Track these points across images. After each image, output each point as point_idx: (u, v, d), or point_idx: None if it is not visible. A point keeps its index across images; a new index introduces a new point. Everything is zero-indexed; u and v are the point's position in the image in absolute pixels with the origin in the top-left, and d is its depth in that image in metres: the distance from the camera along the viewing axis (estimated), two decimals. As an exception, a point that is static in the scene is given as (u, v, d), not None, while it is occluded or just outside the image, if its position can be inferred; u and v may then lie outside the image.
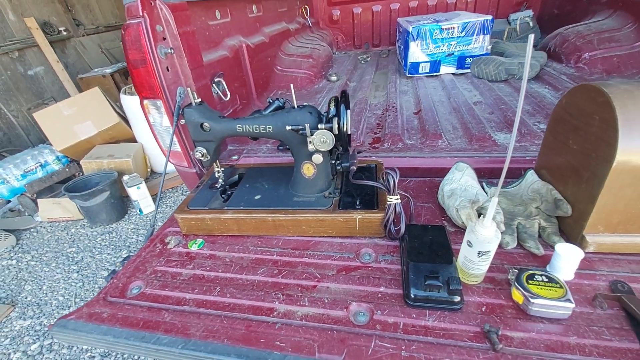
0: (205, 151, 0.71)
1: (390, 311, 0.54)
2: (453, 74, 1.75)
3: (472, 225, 0.52)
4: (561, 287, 0.50)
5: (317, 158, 0.67)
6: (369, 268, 0.63)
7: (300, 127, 0.62)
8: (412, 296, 0.53)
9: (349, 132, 0.66)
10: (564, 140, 0.63)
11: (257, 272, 0.64)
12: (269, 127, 0.66)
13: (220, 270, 0.66)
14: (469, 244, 0.52)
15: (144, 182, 2.10)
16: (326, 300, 0.57)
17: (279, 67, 1.77)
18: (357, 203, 0.69)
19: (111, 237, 2.00)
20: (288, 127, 0.63)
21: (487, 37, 1.66)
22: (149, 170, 2.49)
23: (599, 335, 0.47)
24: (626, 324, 0.48)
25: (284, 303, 0.57)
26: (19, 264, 1.89)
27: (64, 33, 3.16)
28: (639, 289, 0.53)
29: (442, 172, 0.84)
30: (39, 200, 2.15)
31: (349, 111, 0.66)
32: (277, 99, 0.70)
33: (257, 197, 0.75)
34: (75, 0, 3.37)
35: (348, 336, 0.51)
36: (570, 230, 0.62)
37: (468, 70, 1.72)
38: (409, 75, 1.79)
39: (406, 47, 1.74)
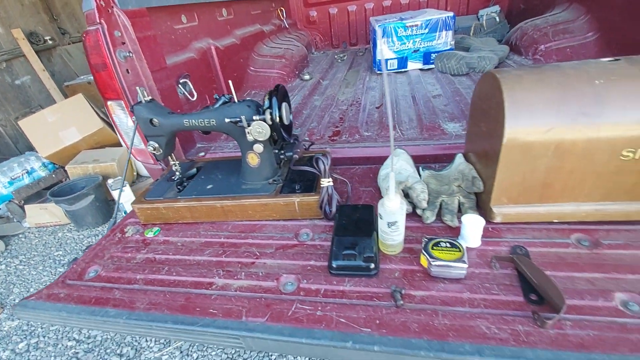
0: (157, 145, 0.77)
1: (315, 280, 0.60)
2: (420, 69, 1.82)
3: (381, 200, 0.58)
4: (460, 251, 0.56)
5: (258, 147, 0.73)
6: (305, 245, 0.69)
7: (238, 119, 0.69)
8: (334, 266, 0.59)
9: (286, 123, 0.72)
10: (478, 123, 0.70)
11: (204, 253, 0.70)
12: (212, 121, 0.72)
13: (170, 253, 0.72)
14: (380, 217, 0.58)
15: (128, 185, 2.15)
16: (260, 274, 0.63)
17: (252, 68, 1.83)
18: (297, 188, 0.75)
19: (97, 239, 2.05)
20: (227, 120, 0.70)
21: (450, 33, 1.72)
22: (135, 173, 2.54)
23: (489, 291, 0.53)
24: (515, 281, 0.54)
25: (222, 278, 0.63)
26: (8, 268, 1.94)
27: (50, 42, 3.21)
28: (535, 252, 0.59)
29: (389, 159, 0.90)
30: (26, 207, 2.20)
31: (284, 104, 0.72)
32: (223, 95, 0.76)
33: (209, 187, 0.81)
34: (60, 10, 3.42)
35: (274, 302, 0.57)
36: (484, 204, 0.68)
37: (434, 66, 1.78)
38: (379, 72, 1.86)
39: (375, 45, 1.81)
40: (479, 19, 2.23)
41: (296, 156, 0.78)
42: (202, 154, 1.16)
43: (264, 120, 0.68)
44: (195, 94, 1.23)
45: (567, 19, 1.60)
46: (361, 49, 2.65)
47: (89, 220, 2.12)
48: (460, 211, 0.70)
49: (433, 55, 1.76)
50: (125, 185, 2.13)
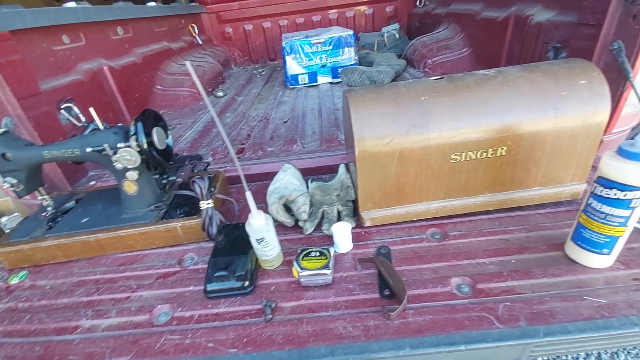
0: (15, 181, 0.70)
1: (190, 306, 0.59)
2: (330, 83, 1.92)
3: (248, 219, 0.60)
4: (326, 258, 0.60)
5: (132, 175, 0.70)
6: (187, 271, 0.68)
7: (101, 147, 0.66)
8: (208, 289, 0.59)
9: (160, 147, 0.71)
10: (346, 136, 0.76)
11: (74, 294, 0.65)
12: (76, 151, 0.68)
13: (36, 299, 0.65)
14: (249, 234, 0.60)
15: (23, 222, 1.89)
16: (133, 309, 0.60)
17: (159, 87, 1.76)
18: (179, 212, 0.74)
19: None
20: (88, 149, 0.66)
21: (352, 49, 1.85)
22: (34, 207, 2.24)
23: (352, 292, 0.58)
24: (375, 280, 0.60)
25: (90, 319, 0.59)
26: None
27: None
28: (396, 249, 0.66)
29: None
30: None
31: (157, 128, 0.71)
32: (92, 121, 0.72)
33: (84, 220, 0.76)
34: None
35: (142, 337, 0.54)
36: (357, 210, 0.74)
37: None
38: (291, 86, 1.92)
39: (285, 61, 1.87)
40: (382, 36, 2.43)
41: (179, 179, 0.77)
42: (93, 182, 1.08)
43: (131, 147, 0.66)
44: (83, 119, 1.14)
45: (448, 36, 1.83)
46: (280, 63, 2.70)
47: (-27, 268, 1.81)
48: (340, 219, 0.75)
49: (340, 70, 1.87)
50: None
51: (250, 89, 2.05)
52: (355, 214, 0.75)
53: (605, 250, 0.53)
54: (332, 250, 0.63)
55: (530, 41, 1.19)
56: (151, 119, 0.70)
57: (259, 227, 0.58)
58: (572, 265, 0.57)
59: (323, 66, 1.87)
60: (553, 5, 1.10)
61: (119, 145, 0.65)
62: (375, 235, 0.71)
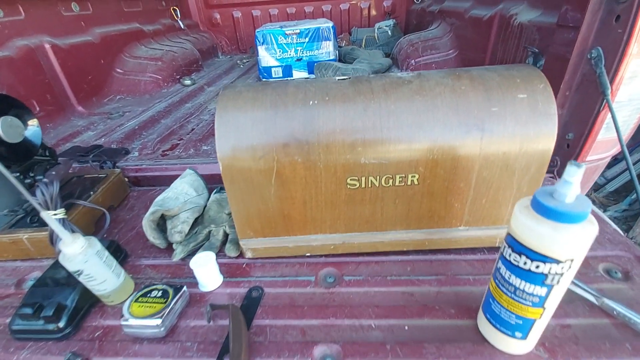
0: None
1: (-11, 348, 0.46)
2: (306, 79, 1.77)
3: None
4: (165, 302, 0.47)
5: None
6: (21, 295, 0.55)
7: None
8: (13, 329, 0.47)
9: (8, 140, 0.59)
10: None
11: None
12: None
13: None
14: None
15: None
16: None
17: (119, 70, 1.64)
18: (31, 220, 0.61)
19: None
20: None
21: (330, 43, 1.70)
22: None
23: (184, 353, 0.44)
24: (224, 337, 0.46)
25: None
26: None
27: None
28: (272, 293, 0.52)
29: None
30: None
31: (4, 118, 0.58)
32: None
33: None
34: None
35: None
36: (242, 236, 0.60)
37: (316, 75, 1.74)
38: (264, 79, 1.78)
39: (256, 52, 1.73)
40: (374, 32, 2.26)
41: (46, 180, 0.64)
42: None
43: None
44: None
45: (436, 35, 1.65)
46: (267, 55, 2.56)
47: None
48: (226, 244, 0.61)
49: (315, 65, 1.71)
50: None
51: (224, 80, 1.92)
52: (246, 239, 0.61)
53: (517, 334, 0.38)
54: (183, 291, 0.49)
55: (512, 44, 1.02)
56: (-6, 106, 0.58)
57: (73, 257, 0.45)
58: (479, 345, 0.42)
59: (299, 60, 1.72)
60: (539, 3, 0.93)
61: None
62: (257, 270, 0.56)
